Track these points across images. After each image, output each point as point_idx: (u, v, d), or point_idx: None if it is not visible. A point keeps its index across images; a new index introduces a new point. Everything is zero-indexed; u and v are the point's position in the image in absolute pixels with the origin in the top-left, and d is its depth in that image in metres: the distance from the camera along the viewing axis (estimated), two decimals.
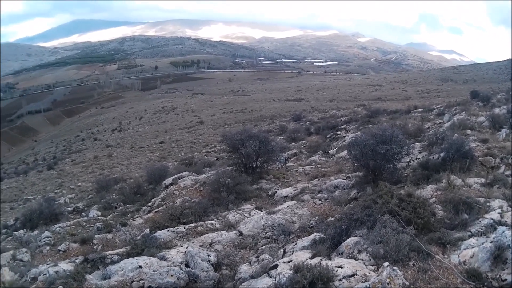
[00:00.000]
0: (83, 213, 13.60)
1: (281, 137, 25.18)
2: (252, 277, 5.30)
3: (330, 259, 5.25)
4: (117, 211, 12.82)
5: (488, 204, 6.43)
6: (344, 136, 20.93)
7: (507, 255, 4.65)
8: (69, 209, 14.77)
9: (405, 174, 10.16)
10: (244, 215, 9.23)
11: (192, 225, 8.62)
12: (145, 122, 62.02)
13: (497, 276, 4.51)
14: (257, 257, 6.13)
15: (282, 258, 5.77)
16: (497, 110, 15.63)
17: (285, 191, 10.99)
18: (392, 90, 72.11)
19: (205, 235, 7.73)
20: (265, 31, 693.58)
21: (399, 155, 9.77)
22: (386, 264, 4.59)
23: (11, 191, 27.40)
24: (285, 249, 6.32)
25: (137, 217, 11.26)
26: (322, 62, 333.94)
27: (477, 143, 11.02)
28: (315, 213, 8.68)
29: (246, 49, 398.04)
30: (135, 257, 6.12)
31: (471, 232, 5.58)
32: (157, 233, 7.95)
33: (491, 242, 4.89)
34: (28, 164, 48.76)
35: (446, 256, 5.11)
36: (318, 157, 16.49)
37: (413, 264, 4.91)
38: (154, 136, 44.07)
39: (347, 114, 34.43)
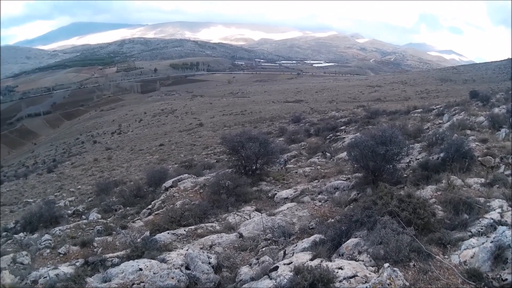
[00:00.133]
0: (83, 216, 13.58)
1: (281, 138, 25.17)
2: (252, 279, 5.30)
3: (331, 261, 5.25)
4: (117, 213, 12.81)
5: (488, 204, 6.43)
6: (344, 137, 20.95)
7: (507, 254, 4.65)
8: (69, 212, 14.74)
9: (405, 175, 10.16)
10: (244, 217, 9.22)
11: (192, 227, 8.61)
12: (144, 125, 62.01)
13: (498, 276, 4.50)
14: (257, 259, 6.13)
15: (282, 260, 5.77)
16: (496, 110, 15.65)
17: (285, 193, 10.99)
18: (392, 90, 72.17)
19: (205, 237, 7.72)
20: (264, 32, 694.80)
21: (399, 156, 9.76)
22: (386, 265, 4.59)
23: (11, 194, 27.38)
24: (285, 250, 6.32)
25: (137, 219, 11.24)
26: (321, 63, 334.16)
27: (476, 143, 11.03)
28: (315, 214, 8.68)
29: (245, 51, 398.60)
30: (136, 260, 6.11)
31: (471, 232, 5.58)
32: (157, 236, 7.94)
33: (492, 242, 4.88)
34: (28, 167, 48.75)
35: (446, 257, 5.10)
36: (318, 158, 16.49)
37: (414, 265, 4.90)
38: (153, 139, 44.08)
39: (346, 115, 34.43)
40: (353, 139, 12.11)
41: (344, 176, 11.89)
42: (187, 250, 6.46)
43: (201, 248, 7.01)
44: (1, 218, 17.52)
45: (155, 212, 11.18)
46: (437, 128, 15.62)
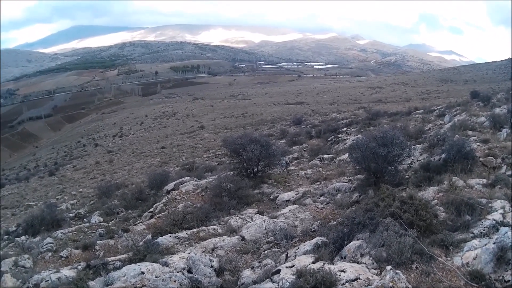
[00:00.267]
0: (85, 219, 13.60)
1: (282, 141, 25.19)
2: (254, 282, 5.28)
3: (333, 263, 5.24)
4: (119, 217, 12.81)
5: (490, 205, 6.41)
6: (345, 139, 20.95)
7: (510, 256, 4.64)
8: (71, 215, 14.77)
9: (407, 176, 10.13)
10: (246, 220, 9.21)
11: (194, 230, 8.61)
12: (146, 128, 62.10)
13: (500, 277, 4.50)
14: (259, 262, 6.12)
15: (284, 262, 5.76)
16: (497, 110, 15.61)
17: (287, 195, 10.98)
18: (392, 92, 72.21)
19: (207, 241, 7.72)
20: (264, 34, 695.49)
21: (400, 157, 9.75)
22: (389, 267, 4.58)
23: (13, 197, 27.41)
24: (287, 253, 6.31)
25: (139, 222, 11.25)
26: (322, 65, 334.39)
27: (478, 143, 11.01)
28: (317, 217, 8.67)
29: (246, 53, 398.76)
30: (137, 263, 6.10)
31: (473, 233, 5.56)
32: (159, 239, 7.94)
33: (494, 243, 4.87)
34: (29, 170, 48.82)
35: (449, 258, 5.09)
36: (319, 160, 16.47)
37: (416, 267, 4.89)
38: (155, 141, 44.12)
39: (347, 117, 34.46)
40: (354, 141, 12.13)
41: (345, 178, 11.88)
42: (189, 253, 6.45)
43: (203, 251, 7.01)
44: (3, 221, 17.54)
45: (157, 215, 11.19)
46: (439, 129, 15.60)
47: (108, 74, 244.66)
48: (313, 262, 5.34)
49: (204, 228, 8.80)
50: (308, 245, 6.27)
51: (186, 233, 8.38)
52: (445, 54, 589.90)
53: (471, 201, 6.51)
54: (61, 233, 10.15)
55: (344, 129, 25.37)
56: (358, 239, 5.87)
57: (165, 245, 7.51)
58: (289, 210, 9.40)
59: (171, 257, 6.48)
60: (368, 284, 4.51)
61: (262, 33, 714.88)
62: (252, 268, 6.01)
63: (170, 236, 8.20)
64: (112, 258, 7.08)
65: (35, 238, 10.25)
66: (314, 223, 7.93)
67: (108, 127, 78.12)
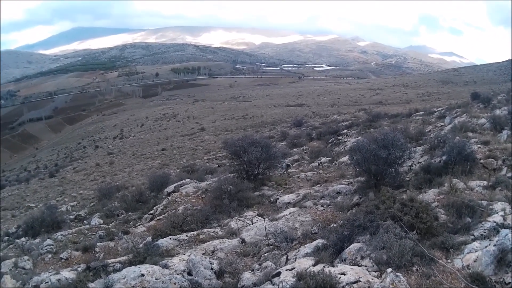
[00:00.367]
0: (85, 221, 13.59)
1: (283, 143, 25.17)
2: (255, 284, 5.28)
3: (333, 266, 5.23)
4: (119, 219, 12.81)
5: (490, 207, 6.40)
6: (346, 141, 20.92)
7: (510, 258, 4.63)
8: (71, 217, 14.76)
9: (407, 179, 10.12)
10: (247, 222, 9.20)
11: (194, 232, 8.60)
12: (146, 129, 62.11)
13: (501, 280, 4.49)
14: (259, 264, 6.11)
15: (284, 265, 5.75)
16: (498, 112, 15.58)
17: (287, 198, 10.96)
18: (393, 93, 72.20)
19: (207, 243, 7.71)
20: (265, 36, 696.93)
21: (401, 159, 9.73)
22: (389, 270, 4.58)
23: (13, 198, 27.44)
24: (287, 256, 6.30)
25: (139, 225, 11.24)
26: (322, 67, 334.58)
27: (478, 145, 11.01)
28: (317, 219, 8.65)
29: (247, 55, 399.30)
30: (137, 265, 6.10)
31: (474, 235, 5.55)
32: (159, 241, 7.92)
33: (494, 245, 4.87)
34: (29, 172, 48.87)
35: (449, 261, 5.09)
36: (317, 164, 16.43)
37: (417, 270, 4.88)
38: (155, 143, 44.14)
39: (348, 118, 34.47)
40: (355, 143, 12.12)
41: (346, 180, 11.85)
42: (189, 255, 6.44)
43: (203, 254, 7.00)
44: (3, 223, 17.54)
45: (157, 218, 11.18)
46: (439, 131, 15.59)
47: (109, 76, 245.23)
48: (314, 265, 5.34)
49: (205, 230, 8.79)
50: (308, 247, 6.26)
51: (186, 236, 8.37)
52: (446, 56, 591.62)
53: (472, 203, 6.51)
54: (61, 235, 10.15)
55: (345, 131, 25.33)
56: (358, 242, 5.86)
57: (165, 247, 7.50)
58: (290, 213, 9.38)
59: (171, 259, 6.48)
60: (369, 287, 4.51)
61: (262, 35, 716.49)
62: (252, 270, 6.00)
63: (170, 239, 8.18)
64: (112, 260, 7.08)
65: (35, 240, 10.26)
66: (315, 226, 7.91)
67: (109, 129, 78.16)
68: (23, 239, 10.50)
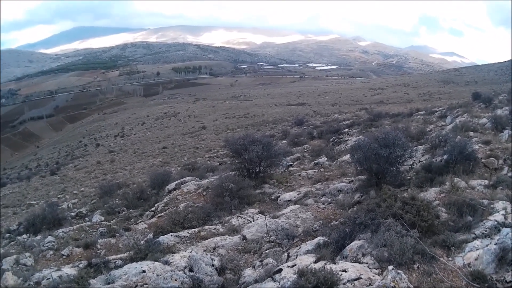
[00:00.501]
0: (86, 218, 13.62)
1: (284, 141, 25.15)
2: (256, 281, 5.29)
3: (334, 263, 5.24)
4: (120, 216, 12.84)
5: (492, 205, 6.41)
6: (347, 140, 20.92)
7: (511, 256, 4.63)
8: (72, 214, 14.80)
9: (408, 177, 10.12)
10: (248, 220, 9.22)
11: (196, 229, 8.62)
12: (147, 128, 62.12)
13: (502, 278, 4.49)
14: (261, 261, 6.12)
15: (286, 262, 5.76)
16: (499, 111, 15.58)
17: (288, 195, 10.97)
18: (394, 93, 72.16)
19: (208, 240, 7.72)
20: (266, 36, 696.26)
21: (402, 158, 9.74)
22: (390, 267, 4.58)
23: (14, 196, 27.43)
24: (289, 253, 6.31)
25: (141, 222, 11.26)
26: (323, 66, 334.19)
27: (480, 145, 11.00)
28: (318, 217, 8.67)
29: (248, 55, 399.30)
30: (139, 262, 6.11)
31: (475, 234, 5.56)
32: (161, 238, 7.94)
33: (496, 244, 4.86)
34: (31, 169, 48.85)
35: (450, 259, 5.09)
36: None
37: (418, 267, 4.89)
38: (156, 142, 44.13)
39: (349, 118, 34.42)
40: (356, 142, 12.11)
41: (347, 178, 11.87)
42: (190, 252, 6.46)
43: (204, 250, 7.01)
44: (4, 220, 17.57)
45: (159, 215, 11.21)
46: (440, 130, 15.57)
47: (110, 75, 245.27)
48: (315, 262, 5.34)
49: (206, 227, 8.80)
50: (309, 244, 6.27)
51: (188, 232, 8.39)
52: (447, 56, 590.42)
53: (473, 202, 6.51)
54: (62, 231, 10.17)
55: (346, 130, 25.32)
56: (359, 239, 5.87)
57: (166, 244, 7.52)
58: (291, 210, 9.40)
59: (172, 256, 6.49)
60: (370, 284, 4.51)
61: (264, 35, 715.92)
62: (254, 267, 6.01)
63: (171, 235, 8.20)
64: (114, 256, 7.09)
65: (36, 237, 10.27)
66: (316, 223, 7.93)
67: (110, 127, 78.16)
68: (24, 236, 10.51)
